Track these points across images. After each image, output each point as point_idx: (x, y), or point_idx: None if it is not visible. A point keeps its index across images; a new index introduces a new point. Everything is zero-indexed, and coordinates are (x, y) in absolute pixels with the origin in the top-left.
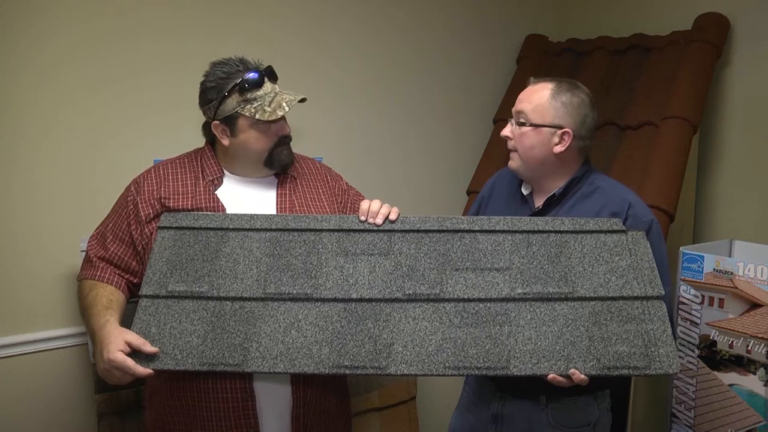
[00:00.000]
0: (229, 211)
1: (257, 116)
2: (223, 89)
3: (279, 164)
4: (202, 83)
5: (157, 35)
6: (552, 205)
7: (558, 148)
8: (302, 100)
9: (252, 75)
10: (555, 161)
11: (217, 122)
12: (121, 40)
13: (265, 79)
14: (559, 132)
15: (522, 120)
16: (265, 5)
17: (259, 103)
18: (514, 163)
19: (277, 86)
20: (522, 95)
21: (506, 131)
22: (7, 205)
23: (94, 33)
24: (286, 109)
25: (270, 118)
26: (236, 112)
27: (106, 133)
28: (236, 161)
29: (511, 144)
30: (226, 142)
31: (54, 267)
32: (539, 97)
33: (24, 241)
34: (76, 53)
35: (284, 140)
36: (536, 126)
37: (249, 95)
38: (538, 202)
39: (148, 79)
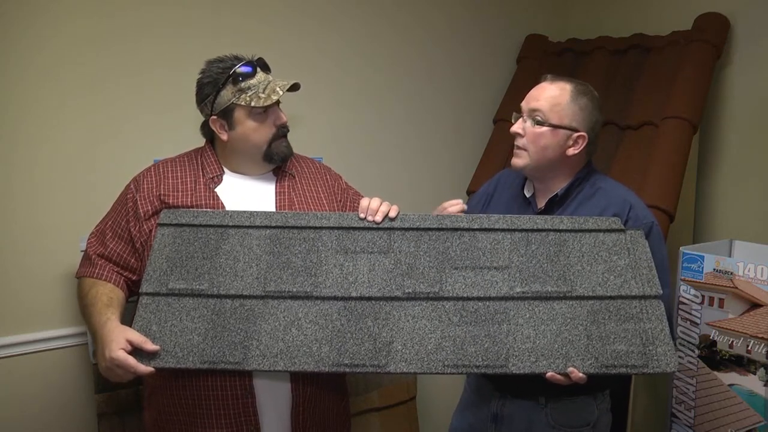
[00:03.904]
0: (228, 208)
1: (252, 103)
2: (218, 83)
3: (278, 156)
4: (199, 80)
5: (157, 35)
6: (554, 206)
7: (572, 151)
8: (295, 85)
9: (244, 65)
10: (564, 162)
11: (215, 117)
12: (121, 40)
13: (258, 69)
14: (575, 135)
15: (539, 118)
16: (265, 5)
17: (254, 91)
18: (520, 160)
19: (270, 76)
20: (537, 92)
21: (517, 128)
22: (7, 205)
23: (94, 33)
24: (280, 93)
25: (265, 104)
26: (232, 103)
27: (106, 133)
28: (235, 157)
29: (521, 142)
30: (224, 136)
31: (54, 267)
32: (557, 97)
33: (24, 241)
34: (76, 53)
35: (282, 131)
36: (554, 127)
37: (243, 85)
38: (541, 204)
39: (148, 79)
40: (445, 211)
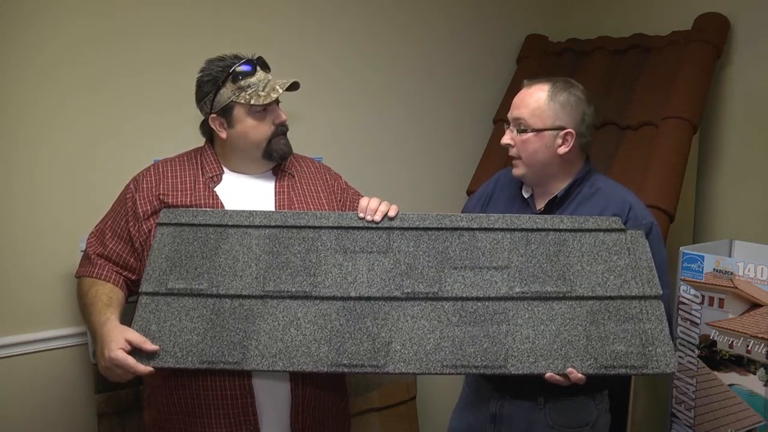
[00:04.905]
0: (227, 208)
1: (252, 101)
2: (217, 81)
3: (277, 154)
4: (198, 78)
5: (157, 35)
6: (554, 207)
7: (562, 149)
8: (295, 84)
9: (244, 64)
10: (559, 162)
11: (215, 115)
12: (121, 40)
13: (258, 67)
14: (562, 133)
15: (522, 127)
16: (265, 5)
17: (253, 89)
18: (518, 170)
19: (269, 75)
20: (517, 100)
21: (506, 139)
22: (7, 205)
23: (94, 33)
24: (280, 91)
25: (264, 102)
26: (231, 101)
27: (106, 133)
28: (235, 155)
29: (513, 152)
30: (224, 135)
31: (54, 267)
32: (536, 101)
33: (24, 241)
34: (76, 53)
35: (281, 129)
36: (538, 131)
37: (242, 83)
38: (539, 205)
39: (148, 79)
40: None
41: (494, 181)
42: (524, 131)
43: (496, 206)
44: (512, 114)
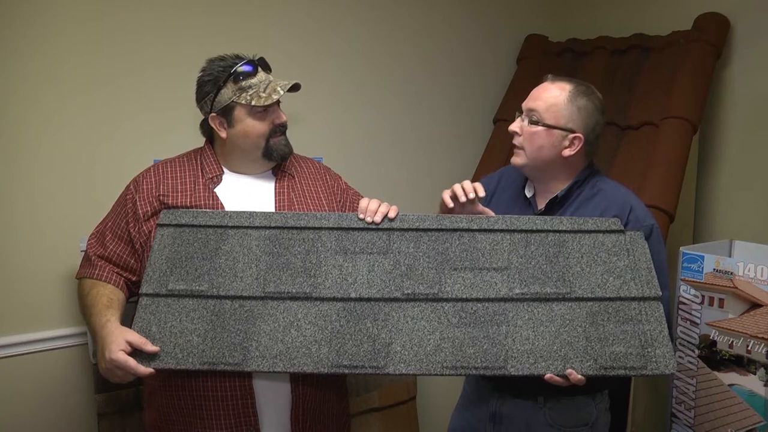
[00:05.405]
0: (227, 208)
1: (253, 102)
2: (218, 81)
3: (278, 154)
4: (199, 78)
5: (157, 35)
6: (555, 207)
7: (567, 152)
8: (296, 85)
9: (245, 64)
10: (561, 163)
11: (215, 115)
12: (121, 40)
13: (259, 68)
14: (571, 136)
15: (534, 118)
16: (266, 5)
17: (254, 90)
18: (519, 159)
19: (270, 76)
20: (536, 92)
21: (515, 126)
22: (7, 205)
23: (94, 33)
24: (281, 92)
25: (266, 103)
26: (232, 101)
27: (106, 134)
28: (234, 155)
29: (518, 140)
30: (223, 134)
31: (54, 267)
32: (555, 98)
33: (24, 241)
34: (76, 53)
35: (281, 129)
36: (549, 127)
37: (244, 84)
38: (541, 204)
39: (149, 78)
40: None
41: (497, 179)
42: (535, 123)
43: (498, 204)
44: (527, 104)
